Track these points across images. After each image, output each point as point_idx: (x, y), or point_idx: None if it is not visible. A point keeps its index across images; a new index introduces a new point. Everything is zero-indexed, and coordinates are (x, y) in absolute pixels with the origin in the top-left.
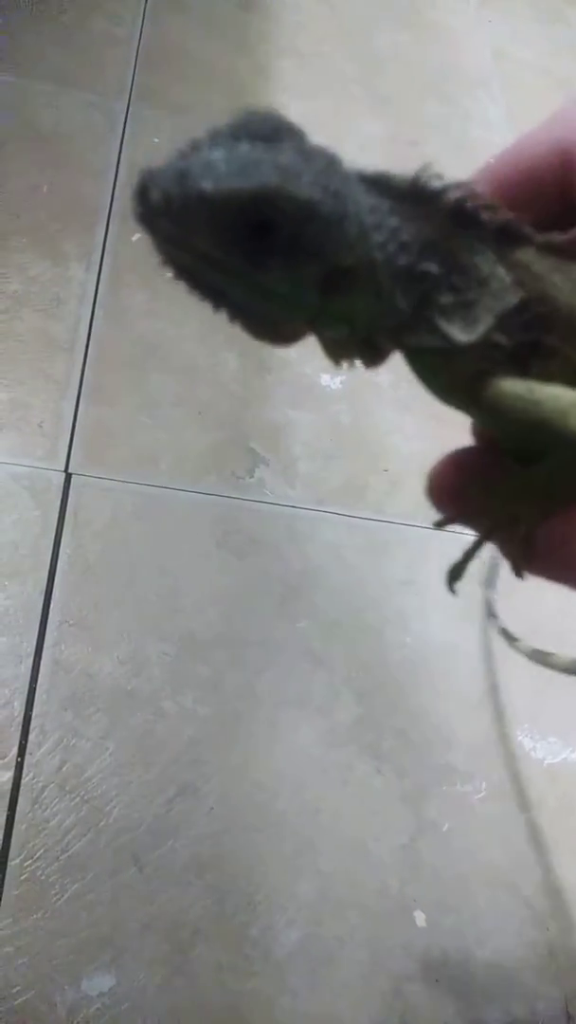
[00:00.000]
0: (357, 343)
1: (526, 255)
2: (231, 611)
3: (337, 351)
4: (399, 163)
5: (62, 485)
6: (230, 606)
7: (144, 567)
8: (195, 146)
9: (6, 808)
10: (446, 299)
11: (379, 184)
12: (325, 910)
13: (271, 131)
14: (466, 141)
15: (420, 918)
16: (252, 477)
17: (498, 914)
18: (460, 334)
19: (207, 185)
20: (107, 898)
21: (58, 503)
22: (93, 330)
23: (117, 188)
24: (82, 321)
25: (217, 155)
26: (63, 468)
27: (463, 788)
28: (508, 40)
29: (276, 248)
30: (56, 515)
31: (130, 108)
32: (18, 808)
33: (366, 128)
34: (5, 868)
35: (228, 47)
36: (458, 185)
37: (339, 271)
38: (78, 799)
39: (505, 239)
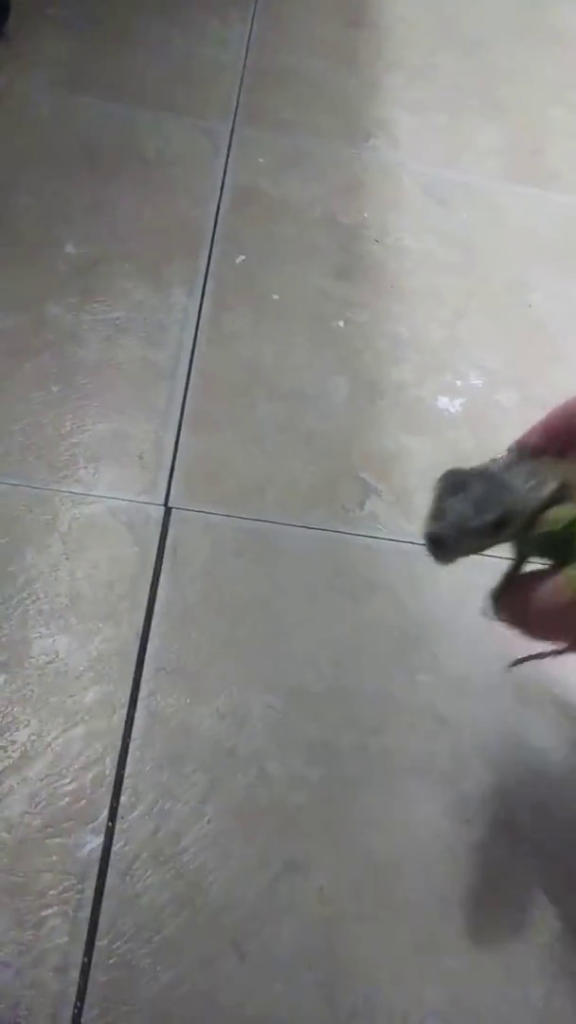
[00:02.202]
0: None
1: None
2: (344, 661)
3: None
4: (521, 174)
5: (161, 519)
6: (342, 655)
7: (247, 609)
8: (441, 502)
9: (95, 879)
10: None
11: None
12: (455, 1019)
13: (463, 481)
14: None
15: None
16: (363, 510)
17: None
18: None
19: (476, 523)
20: (204, 989)
21: (157, 539)
22: (195, 356)
23: (221, 211)
24: (184, 347)
25: (464, 506)
26: (163, 502)
27: None
28: None
29: (502, 529)
30: (155, 552)
31: (235, 130)
32: (107, 880)
33: (484, 140)
34: (92, 949)
35: (336, 65)
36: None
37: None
38: (173, 872)
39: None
